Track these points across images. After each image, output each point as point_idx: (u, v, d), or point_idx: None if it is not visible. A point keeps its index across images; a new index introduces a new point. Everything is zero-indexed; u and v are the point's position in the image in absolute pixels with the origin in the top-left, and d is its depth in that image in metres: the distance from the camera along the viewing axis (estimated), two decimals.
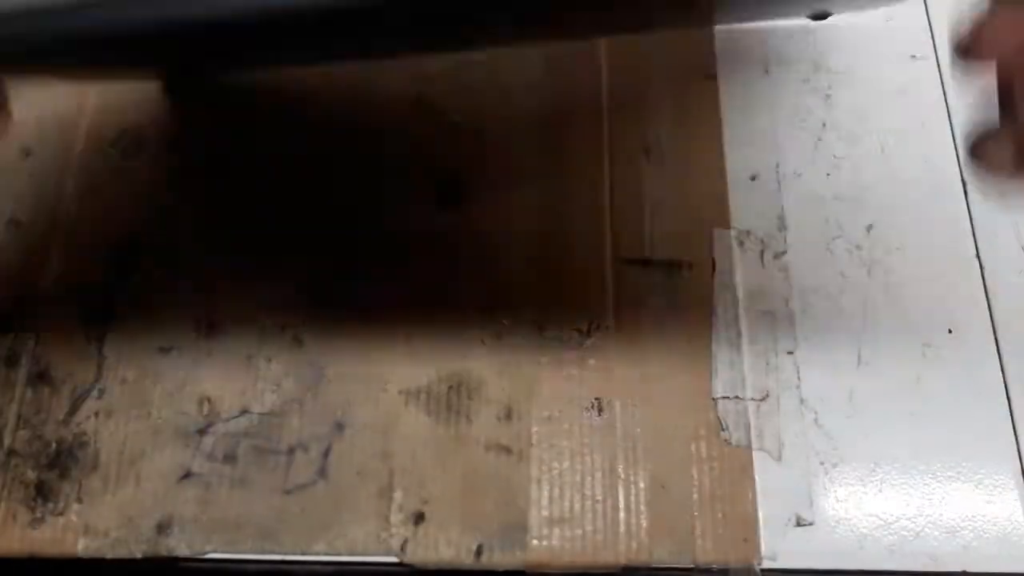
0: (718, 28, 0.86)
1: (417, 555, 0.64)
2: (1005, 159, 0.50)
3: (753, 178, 0.78)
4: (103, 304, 0.75)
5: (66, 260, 0.77)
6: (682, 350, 0.70)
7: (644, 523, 0.65)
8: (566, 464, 0.66)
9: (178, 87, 0.76)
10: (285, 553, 0.65)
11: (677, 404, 0.69)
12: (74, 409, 0.69)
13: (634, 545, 0.65)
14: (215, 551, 0.65)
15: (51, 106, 0.83)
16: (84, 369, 0.71)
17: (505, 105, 0.80)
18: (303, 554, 0.65)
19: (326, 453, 0.67)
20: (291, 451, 0.67)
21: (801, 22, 0.85)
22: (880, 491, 0.65)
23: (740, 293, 0.73)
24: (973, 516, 0.67)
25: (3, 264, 0.77)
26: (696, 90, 0.82)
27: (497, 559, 0.64)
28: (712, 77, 0.83)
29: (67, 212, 0.79)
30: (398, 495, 0.66)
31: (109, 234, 0.78)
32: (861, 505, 0.64)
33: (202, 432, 0.69)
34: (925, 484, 0.67)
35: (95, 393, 0.70)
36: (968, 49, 0.50)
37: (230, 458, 0.67)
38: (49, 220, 0.79)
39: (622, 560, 0.64)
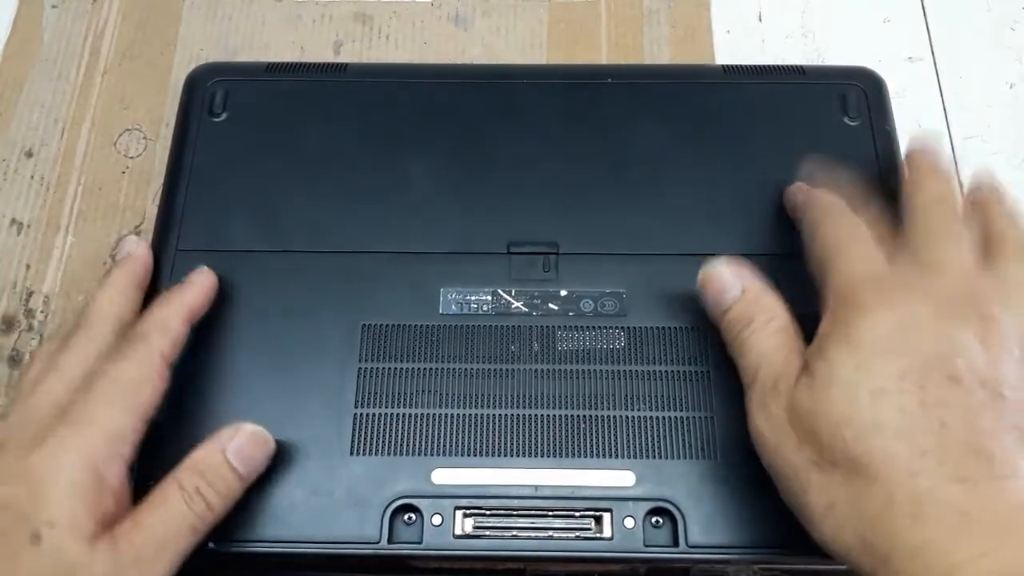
0: (716, 30, 0.86)
1: None
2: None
3: None
4: None
5: (69, 260, 0.77)
6: None
7: None
8: None
9: None
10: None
11: None
12: None
13: None
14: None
15: (53, 105, 0.83)
16: None
17: None
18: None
19: None
20: None
21: (798, 23, 0.86)
22: None
23: None
24: None
25: (5, 264, 0.77)
26: None
27: None
28: None
29: (70, 212, 0.78)
30: None
31: (112, 234, 0.78)
32: None
33: None
34: None
35: None
36: None
37: None
38: (51, 220, 0.78)
39: None
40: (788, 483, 0.54)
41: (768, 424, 0.55)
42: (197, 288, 0.63)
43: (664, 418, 0.62)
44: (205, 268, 0.64)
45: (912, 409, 0.50)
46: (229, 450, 0.57)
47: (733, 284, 0.60)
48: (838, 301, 0.55)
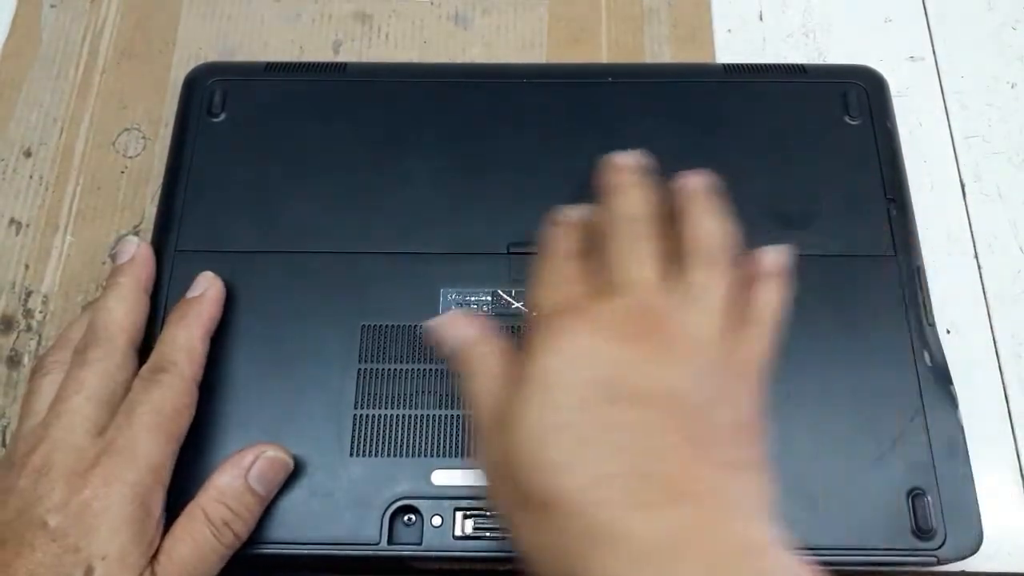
0: (717, 29, 0.86)
1: None
2: None
3: None
4: None
5: (68, 260, 0.77)
6: None
7: None
8: None
9: None
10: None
11: None
12: None
13: None
14: None
15: (51, 105, 0.82)
16: None
17: None
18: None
19: None
20: None
21: (799, 23, 0.86)
22: None
23: None
24: None
25: (4, 264, 0.77)
26: None
27: None
28: None
29: (68, 211, 0.78)
30: None
31: (111, 234, 0.78)
32: None
33: None
34: None
35: None
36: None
37: None
38: (50, 220, 0.78)
39: None
40: (505, 527, 0.53)
41: (482, 469, 0.54)
42: (211, 302, 0.64)
43: None
44: (212, 275, 0.65)
45: (591, 438, 0.49)
46: (252, 476, 0.58)
47: (454, 334, 0.58)
48: (526, 341, 0.54)
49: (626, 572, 0.46)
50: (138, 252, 0.65)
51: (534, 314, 0.56)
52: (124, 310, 0.62)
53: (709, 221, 0.58)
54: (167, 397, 0.58)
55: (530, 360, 0.52)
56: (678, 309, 0.53)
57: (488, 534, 0.59)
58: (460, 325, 0.58)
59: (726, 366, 0.53)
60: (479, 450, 0.55)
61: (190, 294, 0.64)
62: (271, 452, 0.59)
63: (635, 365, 0.50)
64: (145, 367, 0.61)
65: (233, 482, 0.58)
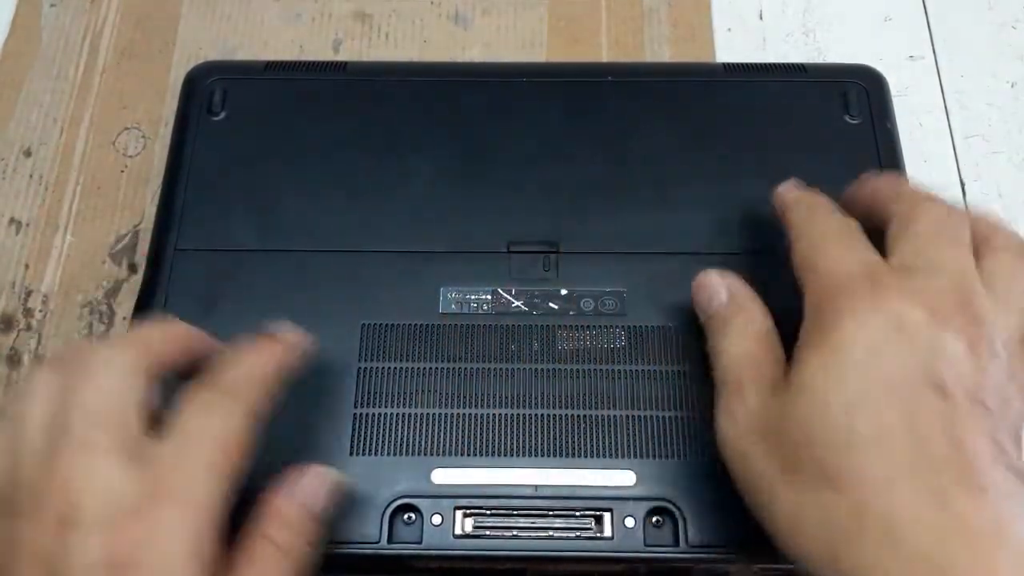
0: (717, 29, 0.86)
1: None
2: None
3: None
4: (106, 304, 0.76)
5: (68, 259, 0.77)
6: None
7: None
8: None
9: None
10: None
11: None
12: None
13: None
14: None
15: (51, 104, 0.82)
16: None
17: None
18: None
19: None
20: None
21: (799, 22, 0.86)
22: None
23: None
24: None
25: (4, 264, 0.77)
26: None
27: None
28: None
29: (68, 211, 0.78)
30: None
31: (111, 233, 0.78)
32: None
33: None
34: None
35: None
36: None
37: None
38: (50, 219, 0.78)
39: None
40: (755, 493, 0.51)
41: (734, 431, 0.53)
42: (292, 347, 0.58)
43: (664, 417, 0.61)
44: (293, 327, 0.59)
45: (890, 421, 0.47)
46: (308, 499, 0.55)
47: (719, 290, 0.59)
48: (821, 301, 0.52)
49: (896, 566, 0.45)
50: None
51: (819, 276, 0.54)
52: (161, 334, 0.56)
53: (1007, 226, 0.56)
54: (231, 429, 0.51)
55: (824, 325, 0.51)
56: (985, 296, 0.51)
57: (488, 533, 0.59)
58: (725, 281, 0.59)
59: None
60: (727, 410, 0.54)
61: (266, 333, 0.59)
62: (332, 476, 0.57)
63: (948, 353, 0.48)
64: (202, 384, 0.53)
65: (295, 507, 0.54)
